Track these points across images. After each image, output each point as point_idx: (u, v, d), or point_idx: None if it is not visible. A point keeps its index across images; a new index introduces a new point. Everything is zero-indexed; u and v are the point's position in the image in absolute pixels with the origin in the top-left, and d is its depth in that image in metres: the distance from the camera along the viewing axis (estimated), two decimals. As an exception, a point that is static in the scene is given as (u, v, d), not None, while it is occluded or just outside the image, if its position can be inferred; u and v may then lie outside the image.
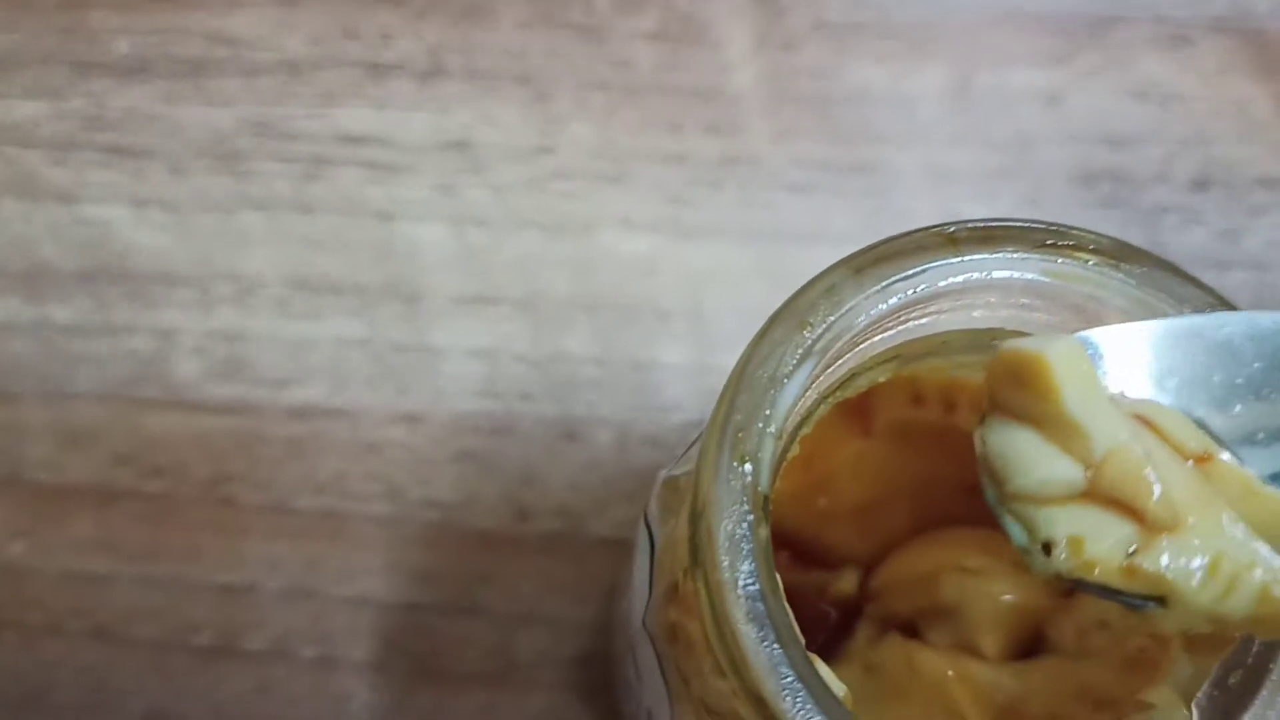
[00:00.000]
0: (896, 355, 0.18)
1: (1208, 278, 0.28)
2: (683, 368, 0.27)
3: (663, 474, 0.20)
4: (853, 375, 0.18)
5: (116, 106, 0.29)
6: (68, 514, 0.26)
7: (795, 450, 0.20)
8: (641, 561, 0.20)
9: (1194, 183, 0.29)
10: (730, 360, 0.27)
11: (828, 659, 0.21)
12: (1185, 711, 0.16)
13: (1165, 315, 0.16)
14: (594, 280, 0.28)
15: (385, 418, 0.27)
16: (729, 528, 0.15)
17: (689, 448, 0.20)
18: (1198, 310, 0.16)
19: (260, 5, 0.30)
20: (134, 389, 0.27)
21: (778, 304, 0.27)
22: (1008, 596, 0.20)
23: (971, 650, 0.20)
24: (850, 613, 0.21)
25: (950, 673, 0.19)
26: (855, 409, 0.21)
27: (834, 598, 0.21)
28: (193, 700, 0.25)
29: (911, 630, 0.21)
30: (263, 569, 0.26)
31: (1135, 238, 0.28)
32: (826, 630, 0.21)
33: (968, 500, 0.21)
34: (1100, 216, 0.29)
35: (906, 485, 0.21)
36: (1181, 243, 0.28)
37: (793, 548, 0.21)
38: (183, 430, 0.27)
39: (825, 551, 0.21)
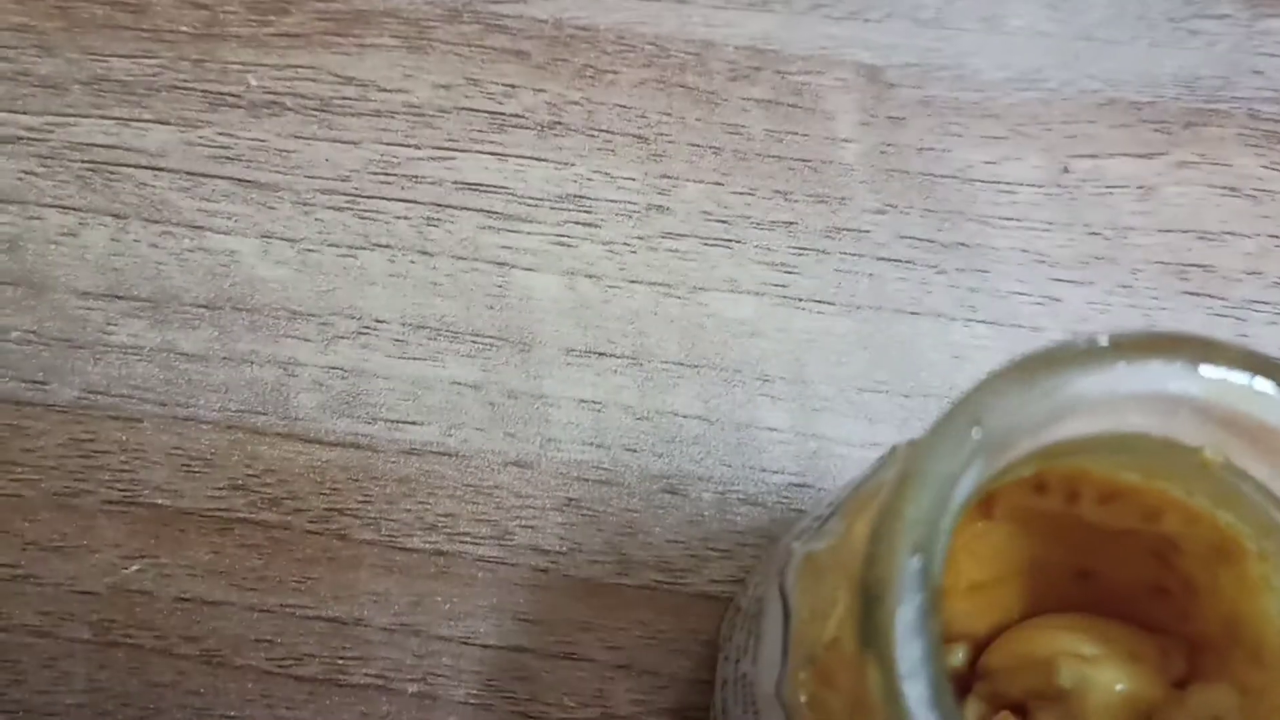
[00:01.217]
0: (1043, 453, 0.19)
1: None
2: (783, 431, 0.28)
3: (798, 546, 0.21)
4: (1005, 471, 0.19)
5: (246, 139, 0.30)
6: (184, 539, 0.27)
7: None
8: (772, 630, 0.21)
9: (1283, 280, 0.30)
10: (830, 427, 0.28)
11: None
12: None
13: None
14: (700, 340, 0.29)
15: (496, 462, 0.28)
16: (905, 615, 0.16)
17: (824, 522, 0.21)
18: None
19: (389, 49, 0.31)
20: (252, 419, 0.28)
21: (877, 373, 0.29)
22: (1121, 686, 0.21)
23: (1086, 740, 0.21)
24: (961, 689, 0.22)
25: (1064, 757, 0.20)
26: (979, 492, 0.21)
27: (947, 674, 0.22)
28: (299, 728, 0.26)
29: (1022, 710, 0.21)
30: (371, 604, 0.27)
31: (1226, 329, 0.29)
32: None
33: (1080, 586, 0.22)
34: (1192, 306, 0.30)
35: (1021, 567, 0.22)
36: (1270, 337, 0.29)
37: (908, 622, 0.22)
38: (299, 462, 0.27)
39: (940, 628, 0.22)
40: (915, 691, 0.16)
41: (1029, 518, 0.22)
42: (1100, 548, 0.22)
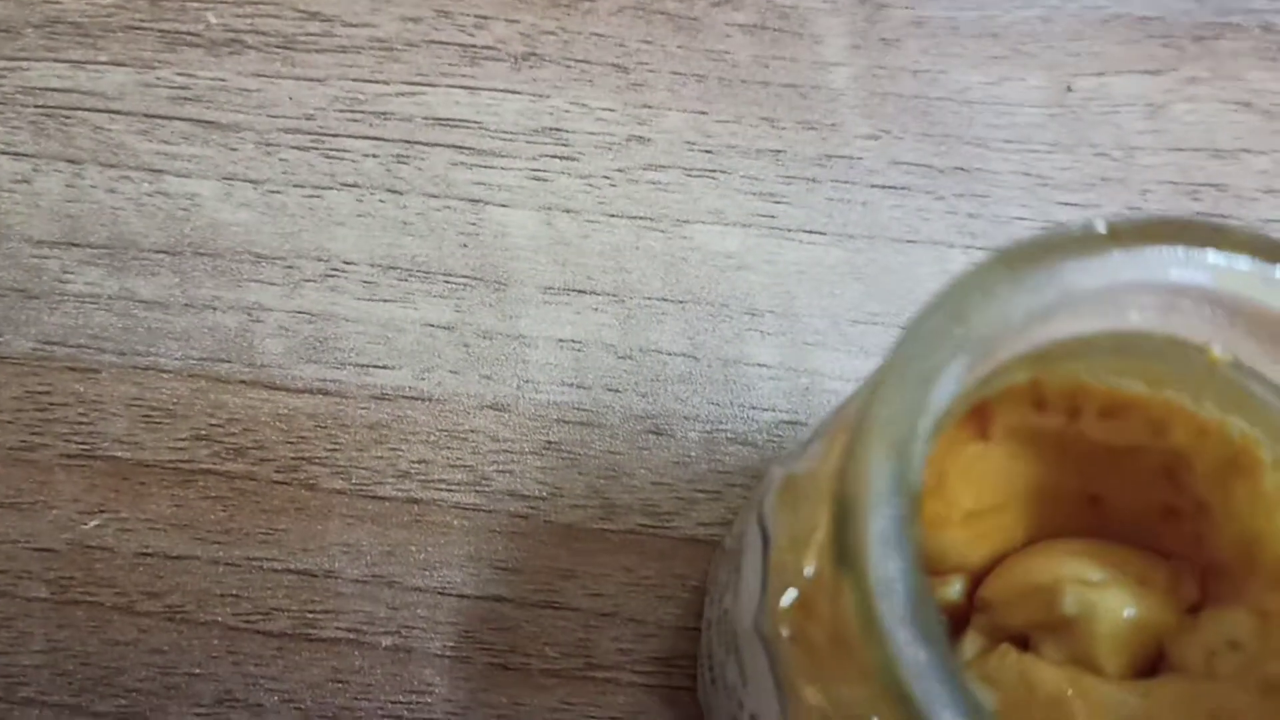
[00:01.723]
0: (1037, 357, 0.17)
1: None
2: (773, 367, 0.27)
3: (778, 470, 0.20)
4: (992, 375, 0.17)
5: (206, 79, 0.28)
6: (145, 492, 0.26)
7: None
8: (752, 561, 0.20)
9: (1302, 198, 0.28)
10: (822, 362, 0.27)
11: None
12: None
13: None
14: (685, 274, 0.27)
15: (471, 405, 0.26)
16: (881, 525, 0.15)
17: (806, 445, 0.20)
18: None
19: (353, -17, 0.29)
20: (216, 366, 0.26)
21: (870, 304, 0.27)
22: (1130, 612, 0.19)
23: (1090, 667, 0.19)
24: (959, 622, 0.21)
25: (1069, 690, 0.19)
26: (974, 411, 0.20)
27: (941, 606, 0.20)
28: (265, 686, 0.25)
29: (1023, 643, 0.20)
30: (341, 555, 0.25)
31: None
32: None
33: (1087, 511, 0.20)
34: (1204, 229, 0.28)
35: (1020, 492, 0.21)
36: (1287, 259, 0.28)
37: (901, 553, 0.21)
38: (265, 410, 0.26)
39: (935, 558, 0.21)
40: (893, 609, 0.14)
41: (1029, 437, 0.20)
42: (1107, 469, 0.20)
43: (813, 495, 0.18)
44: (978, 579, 0.21)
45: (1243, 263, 0.16)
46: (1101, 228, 0.16)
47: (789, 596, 0.18)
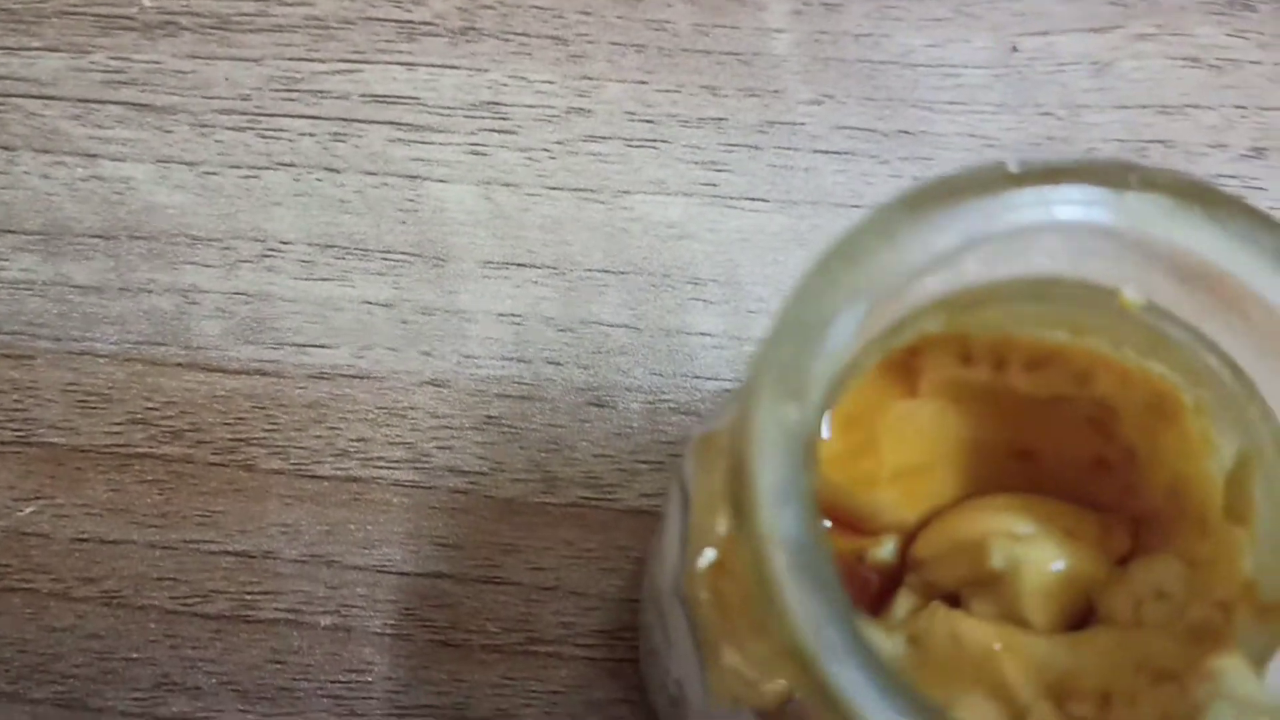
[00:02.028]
0: (949, 303, 0.17)
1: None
2: (716, 336, 0.26)
3: (698, 429, 0.19)
4: (901, 323, 0.17)
5: (141, 61, 0.28)
6: (81, 477, 0.25)
7: (832, 408, 0.19)
8: (674, 523, 0.19)
9: (1250, 150, 0.28)
10: (765, 328, 0.26)
11: (868, 630, 0.20)
12: (1257, 678, 0.15)
13: (1247, 262, 0.15)
14: (626, 245, 0.27)
15: (410, 382, 0.26)
16: (772, 475, 0.14)
17: (726, 404, 0.19)
18: (1278, 257, 0.15)
19: (288, -39, 0.29)
20: (152, 350, 0.26)
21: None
22: (1058, 565, 0.19)
23: (1019, 621, 0.19)
24: (891, 581, 0.20)
25: (998, 645, 0.18)
26: (900, 367, 0.20)
27: (873, 566, 0.20)
28: (204, 669, 0.24)
29: (955, 600, 0.20)
30: (280, 536, 0.25)
31: (1189, 208, 0.27)
32: (866, 600, 0.20)
33: (1019, 466, 0.20)
34: (1153, 187, 0.28)
35: (953, 449, 0.20)
36: (1238, 215, 0.27)
37: (831, 513, 0.20)
38: (202, 392, 0.26)
39: (865, 518, 0.20)
40: (785, 561, 0.14)
41: (957, 393, 0.20)
42: (1037, 422, 0.20)
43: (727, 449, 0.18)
44: (911, 538, 0.20)
45: (1154, 201, 0.16)
46: (1012, 167, 0.16)
47: (706, 557, 0.18)
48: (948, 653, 0.19)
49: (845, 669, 0.14)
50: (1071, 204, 0.15)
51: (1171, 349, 0.17)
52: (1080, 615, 0.19)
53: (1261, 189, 0.28)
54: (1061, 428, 0.19)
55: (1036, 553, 0.19)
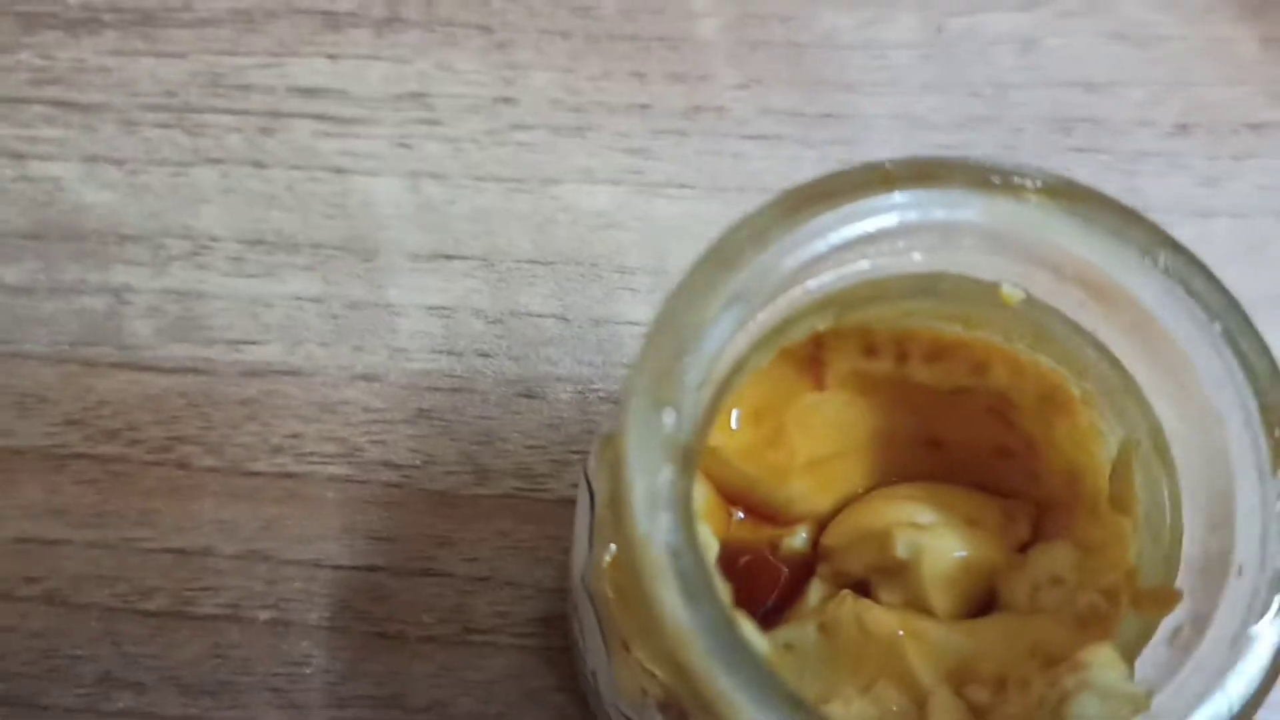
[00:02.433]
0: (835, 300, 0.17)
1: (1190, 225, 0.27)
2: (645, 325, 0.27)
3: (602, 428, 0.20)
4: (788, 321, 0.17)
5: (65, 59, 0.28)
6: (17, 479, 0.26)
7: (739, 403, 0.19)
8: (582, 519, 0.20)
9: (1176, 127, 0.28)
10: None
11: (781, 617, 0.20)
12: (1124, 669, 0.15)
13: (1114, 257, 0.15)
14: (555, 235, 0.27)
15: (342, 377, 0.26)
16: (648, 480, 0.14)
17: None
18: (1144, 251, 0.15)
19: (212, -45, 0.29)
20: (84, 350, 0.26)
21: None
22: (960, 554, 0.19)
23: (923, 608, 0.19)
24: (805, 570, 0.21)
25: (901, 632, 0.19)
26: (807, 361, 0.20)
27: (786, 555, 0.20)
28: (146, 665, 0.25)
29: (864, 588, 0.20)
30: (217, 532, 0.25)
31: (1114, 184, 0.27)
32: (779, 588, 0.20)
33: (928, 454, 0.20)
34: (1078, 162, 0.28)
35: (861, 439, 0.20)
36: (1163, 189, 0.28)
37: (745, 504, 0.21)
38: (135, 391, 0.26)
39: (778, 508, 0.21)
40: (658, 568, 0.14)
41: (864, 385, 0.20)
42: (942, 412, 0.20)
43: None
44: (823, 526, 0.21)
45: (1024, 201, 0.16)
46: (887, 166, 0.16)
47: (609, 553, 0.18)
48: (855, 640, 0.19)
49: (720, 673, 0.14)
50: (945, 206, 0.16)
51: (1055, 342, 0.17)
52: (985, 601, 0.19)
53: (1186, 165, 0.28)
54: (965, 418, 0.20)
55: (938, 541, 0.19)
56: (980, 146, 0.28)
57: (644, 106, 0.28)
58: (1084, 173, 0.27)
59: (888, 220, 0.16)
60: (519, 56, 0.28)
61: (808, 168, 0.28)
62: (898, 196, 0.16)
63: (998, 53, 0.29)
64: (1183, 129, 0.28)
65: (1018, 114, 0.28)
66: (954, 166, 0.16)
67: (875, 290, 0.17)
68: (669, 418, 0.15)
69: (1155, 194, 0.27)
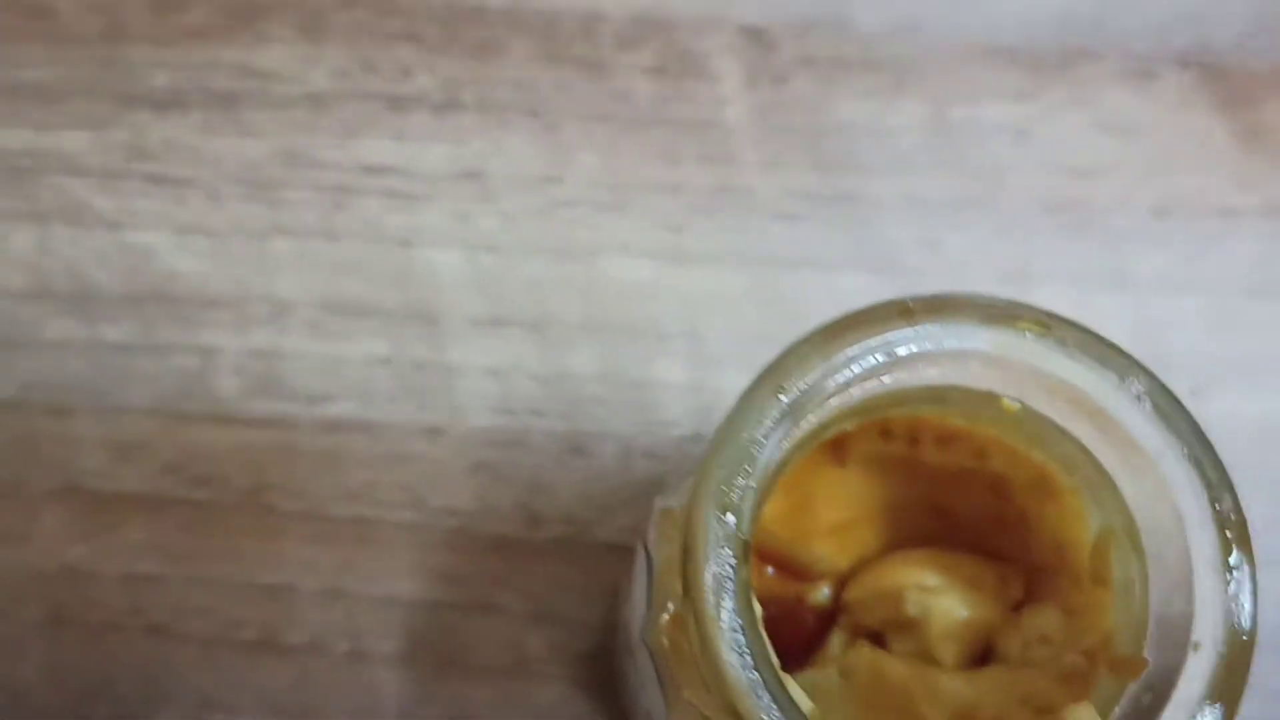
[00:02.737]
0: (862, 408, 0.20)
1: (1168, 302, 0.31)
2: (681, 386, 0.30)
3: (659, 503, 0.23)
4: (822, 427, 0.20)
5: (156, 137, 0.31)
6: (122, 520, 0.29)
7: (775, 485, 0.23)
8: (640, 581, 0.23)
9: (1156, 210, 0.31)
10: (725, 380, 0.30)
11: (807, 661, 0.23)
12: (1100, 725, 0.19)
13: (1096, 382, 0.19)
14: (598, 303, 0.30)
15: (409, 431, 0.29)
16: (714, 569, 0.18)
17: (682, 480, 0.23)
18: (1121, 377, 0.19)
19: (288, 40, 0.32)
20: (179, 404, 0.30)
21: (769, 325, 0.30)
22: (962, 613, 0.22)
23: (931, 659, 0.22)
24: (827, 621, 0.24)
25: (912, 680, 0.22)
26: (830, 443, 0.23)
27: (812, 607, 0.24)
28: (240, 690, 0.28)
29: (879, 639, 0.23)
30: (299, 571, 0.29)
31: (1101, 263, 0.31)
32: (806, 635, 0.24)
33: (935, 521, 0.24)
34: (1068, 241, 0.31)
35: (878, 508, 0.24)
36: (1145, 267, 0.31)
37: (776, 562, 0.24)
38: (225, 442, 0.29)
39: (805, 566, 0.24)
40: (724, 640, 0.18)
41: (879, 462, 0.23)
42: (947, 486, 0.23)
43: (680, 530, 0.21)
44: (844, 583, 0.24)
45: (1020, 333, 0.19)
46: (897, 305, 0.19)
47: (667, 613, 0.21)
48: (871, 685, 0.22)
49: (771, 723, 0.17)
50: (955, 336, 0.19)
51: (1047, 442, 0.21)
52: (984, 653, 0.23)
53: (1168, 244, 0.31)
54: (968, 491, 0.23)
55: (944, 602, 0.22)
56: (980, 227, 0.31)
57: (677, 186, 0.31)
58: (1075, 252, 0.31)
59: (908, 348, 0.19)
60: (565, 139, 0.31)
61: (825, 244, 0.31)
62: (918, 330, 0.19)
63: (994, 140, 0.32)
64: (1162, 212, 0.31)
65: (1013, 196, 0.31)
66: (963, 303, 0.19)
67: (894, 399, 0.20)
68: (731, 518, 0.18)
69: (1138, 271, 0.31)
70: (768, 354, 0.30)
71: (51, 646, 0.28)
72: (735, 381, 0.29)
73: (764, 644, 0.18)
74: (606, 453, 0.29)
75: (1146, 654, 0.19)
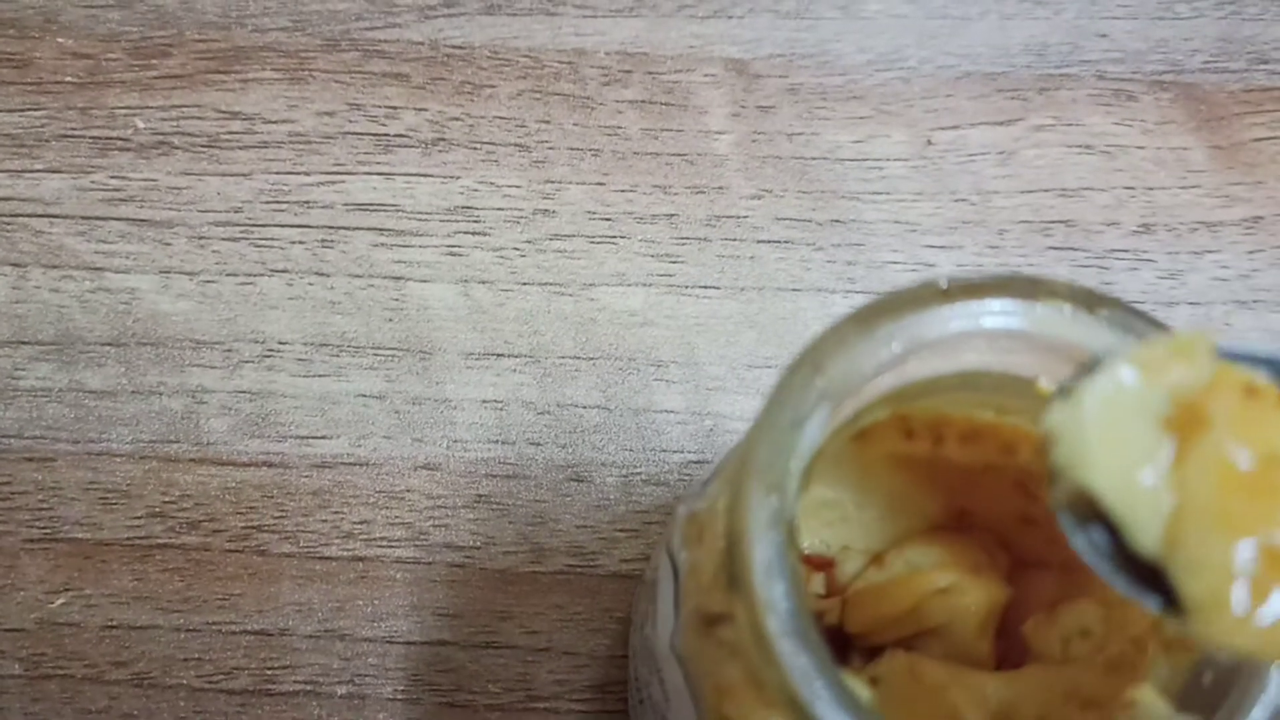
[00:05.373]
0: (896, 395, 0.20)
1: (1157, 313, 0.31)
2: (679, 412, 0.29)
3: (682, 509, 0.22)
4: (857, 415, 0.20)
5: (138, 180, 0.31)
6: (106, 569, 0.28)
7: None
8: (665, 589, 0.22)
9: (1140, 226, 0.32)
10: (724, 405, 0.29)
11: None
12: (1167, 706, 0.18)
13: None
14: (594, 333, 0.30)
15: (405, 467, 0.29)
16: (763, 554, 0.17)
17: (705, 485, 0.22)
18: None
19: (271, 82, 0.32)
20: (165, 447, 0.29)
21: (764, 350, 0.30)
22: (982, 604, 0.22)
23: (965, 659, 0.22)
24: (844, 635, 0.23)
25: (949, 681, 0.22)
26: (855, 439, 0.23)
27: (827, 626, 0.23)
28: (233, 740, 0.27)
29: (906, 644, 0.23)
30: (294, 614, 0.28)
31: (1089, 279, 0.31)
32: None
33: (959, 522, 0.23)
34: (1056, 260, 0.31)
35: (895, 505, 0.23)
36: (1132, 281, 0.31)
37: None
38: (214, 485, 0.28)
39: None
40: (778, 624, 0.17)
41: (903, 463, 0.23)
42: (971, 487, 0.23)
43: (711, 527, 0.21)
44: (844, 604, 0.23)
45: (1056, 308, 0.19)
46: (943, 284, 0.19)
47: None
48: (907, 689, 0.22)
49: (833, 713, 0.17)
50: (992, 314, 0.19)
51: (1080, 427, 0.20)
52: (1022, 652, 0.22)
53: (1151, 260, 0.31)
54: (993, 491, 0.23)
55: (962, 600, 0.22)
56: (968, 248, 0.31)
57: (669, 215, 0.31)
58: (1063, 270, 0.31)
59: (946, 329, 0.19)
60: (555, 173, 0.31)
61: (817, 269, 0.31)
62: (956, 308, 0.19)
63: (980, 163, 0.32)
64: (1145, 229, 0.32)
65: (1000, 217, 0.32)
66: (1001, 280, 0.19)
67: (928, 387, 0.20)
68: (777, 502, 0.17)
69: (1125, 286, 0.31)
70: (766, 378, 0.30)
71: (30, 704, 0.27)
72: (735, 406, 0.29)
73: (817, 630, 0.17)
74: (608, 481, 0.29)
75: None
